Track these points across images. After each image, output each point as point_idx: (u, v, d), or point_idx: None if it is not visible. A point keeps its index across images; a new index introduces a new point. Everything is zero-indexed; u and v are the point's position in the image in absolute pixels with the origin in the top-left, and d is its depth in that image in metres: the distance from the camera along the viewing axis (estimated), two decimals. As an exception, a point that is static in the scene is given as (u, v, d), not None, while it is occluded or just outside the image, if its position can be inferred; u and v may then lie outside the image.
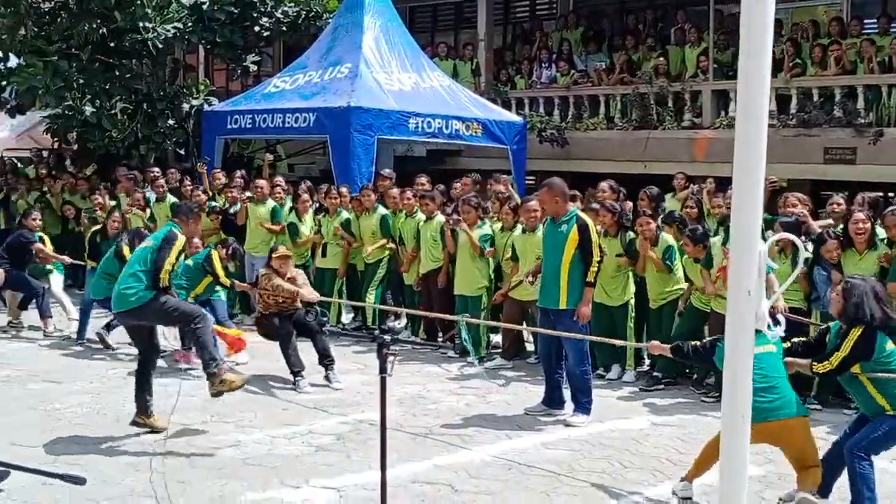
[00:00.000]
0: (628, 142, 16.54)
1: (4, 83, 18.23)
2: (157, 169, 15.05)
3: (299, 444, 7.69)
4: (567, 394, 8.55)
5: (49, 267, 12.48)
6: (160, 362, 8.75)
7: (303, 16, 18.16)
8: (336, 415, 8.53)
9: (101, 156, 18.06)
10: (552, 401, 8.59)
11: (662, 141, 16.15)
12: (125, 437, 7.75)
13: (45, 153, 20.84)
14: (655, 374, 9.68)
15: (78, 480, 3.71)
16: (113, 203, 14.16)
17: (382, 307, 11.70)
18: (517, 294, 10.32)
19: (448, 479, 6.84)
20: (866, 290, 5.99)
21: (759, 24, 3.39)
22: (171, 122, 17.38)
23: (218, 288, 10.71)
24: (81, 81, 16.72)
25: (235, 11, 17.54)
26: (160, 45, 16.80)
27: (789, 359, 6.23)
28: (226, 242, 11.07)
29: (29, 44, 16.88)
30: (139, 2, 16.38)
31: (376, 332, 6.11)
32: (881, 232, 9.01)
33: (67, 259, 12.58)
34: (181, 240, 7.80)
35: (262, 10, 18.01)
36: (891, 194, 14.52)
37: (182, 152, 18.18)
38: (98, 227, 12.67)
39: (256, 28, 18.16)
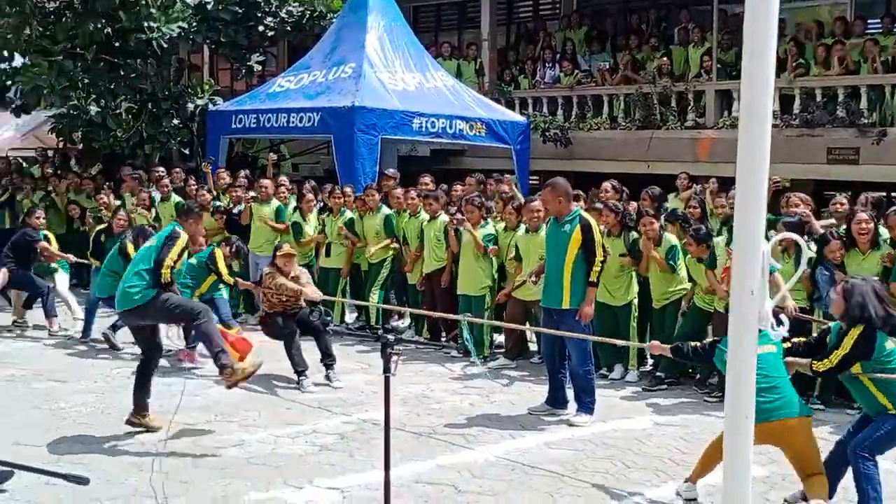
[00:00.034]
0: (632, 142, 16.54)
1: (9, 83, 18.24)
2: (161, 168, 15.06)
3: (303, 443, 7.70)
4: (570, 394, 8.55)
5: (54, 265, 12.51)
6: (163, 362, 8.77)
7: (307, 15, 18.18)
8: (339, 414, 8.54)
9: (105, 155, 18.09)
10: (555, 400, 8.60)
11: (666, 141, 16.15)
12: (129, 436, 7.77)
13: (50, 153, 20.86)
14: (658, 374, 9.68)
15: (81, 480, 3.72)
16: (118, 203, 14.18)
17: (385, 306, 11.72)
18: (520, 294, 10.33)
19: (451, 479, 6.85)
20: (867, 289, 6.01)
21: (762, 24, 3.40)
22: (175, 121, 17.39)
23: (221, 286, 10.73)
24: (86, 81, 16.76)
25: (240, 11, 17.56)
26: (165, 45, 16.82)
27: (790, 359, 6.24)
28: (229, 240, 11.09)
29: (34, 43, 16.91)
30: (144, 2, 16.39)
31: (380, 331, 6.12)
32: (884, 232, 9.01)
33: (72, 257, 12.60)
34: (183, 238, 7.83)
35: (267, 9, 18.04)
36: (894, 194, 14.52)
37: (187, 152, 18.21)
38: (103, 226, 12.69)
39: (261, 28, 18.19)
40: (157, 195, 14.01)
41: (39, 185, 17.02)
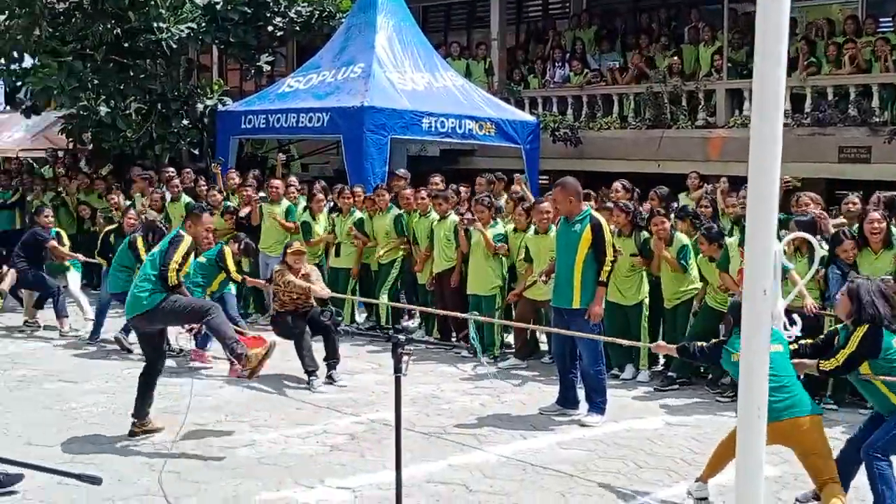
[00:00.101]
0: (642, 141, 16.52)
1: (20, 84, 18.35)
2: (171, 169, 15.10)
3: (314, 443, 7.70)
4: (581, 394, 8.54)
5: (66, 263, 12.53)
6: (171, 363, 8.78)
7: (316, 16, 18.20)
8: (350, 414, 8.55)
9: (116, 156, 18.15)
10: (566, 401, 8.58)
11: (676, 140, 16.13)
12: (140, 436, 7.77)
13: (60, 153, 20.93)
14: (670, 373, 9.67)
15: (94, 480, 3.72)
16: (128, 203, 14.21)
17: (395, 304, 11.72)
18: (531, 293, 10.32)
19: (463, 479, 6.85)
20: (872, 289, 6.01)
21: (774, 25, 3.38)
22: (185, 122, 17.44)
23: (230, 283, 10.74)
24: (96, 82, 16.82)
25: (249, 11, 17.59)
26: (174, 46, 16.86)
27: (797, 360, 6.22)
28: (237, 237, 11.10)
29: (44, 44, 16.96)
30: (153, 2, 16.45)
31: (390, 331, 6.11)
32: (897, 231, 8.97)
33: (82, 256, 12.63)
34: (187, 240, 7.87)
35: (276, 9, 18.06)
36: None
37: (196, 152, 18.25)
38: (114, 226, 12.71)
39: (270, 28, 18.21)
40: (167, 196, 14.05)
41: (50, 186, 17.09)
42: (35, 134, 23.37)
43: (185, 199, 13.70)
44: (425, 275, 11.71)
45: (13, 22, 16.86)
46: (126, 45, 17.10)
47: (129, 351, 10.75)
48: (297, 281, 9.68)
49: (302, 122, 15.00)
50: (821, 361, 6.11)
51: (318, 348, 9.70)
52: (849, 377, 6.28)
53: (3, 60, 17.82)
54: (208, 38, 17.70)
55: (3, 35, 16.98)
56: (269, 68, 19.51)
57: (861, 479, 6.05)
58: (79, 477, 3.63)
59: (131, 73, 17.39)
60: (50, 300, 12.19)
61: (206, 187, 14.02)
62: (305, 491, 6.61)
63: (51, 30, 17.05)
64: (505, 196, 12.46)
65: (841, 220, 9.86)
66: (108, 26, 16.65)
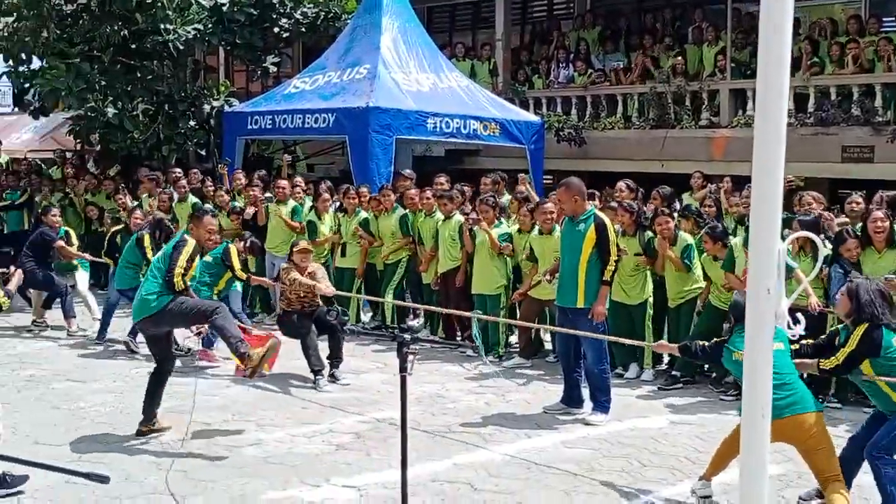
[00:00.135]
0: (646, 141, 16.53)
1: (28, 85, 18.39)
2: (178, 170, 15.16)
3: (319, 442, 7.75)
4: (586, 392, 8.57)
5: (74, 263, 12.57)
6: (176, 362, 8.80)
7: (321, 17, 18.23)
8: (355, 413, 8.59)
9: (123, 157, 18.22)
10: (571, 399, 8.62)
11: (680, 140, 16.14)
12: (148, 436, 7.83)
13: (68, 155, 21.01)
14: (674, 372, 9.70)
15: (102, 479, 3.74)
16: (135, 203, 14.26)
17: (400, 303, 11.76)
18: (535, 293, 10.35)
19: (468, 478, 6.88)
20: (871, 288, 6.04)
21: (777, 25, 3.41)
22: (192, 123, 17.51)
23: (236, 281, 10.78)
24: (103, 83, 16.88)
25: (255, 13, 17.63)
26: (181, 47, 16.92)
27: (798, 360, 6.24)
28: (243, 236, 11.15)
29: (51, 46, 17.04)
30: (160, 4, 16.51)
31: (396, 331, 6.14)
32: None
33: (89, 256, 12.69)
34: (191, 243, 7.92)
35: (282, 11, 18.10)
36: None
37: (203, 153, 18.31)
38: (121, 226, 12.77)
39: (276, 29, 18.25)
40: (174, 196, 14.09)
41: (58, 187, 17.14)
42: (43, 135, 23.49)
43: (193, 199, 13.74)
44: (430, 274, 11.75)
45: (21, 24, 16.95)
46: (133, 46, 17.17)
47: (135, 352, 10.79)
48: (301, 278, 9.73)
49: (308, 123, 15.05)
50: (821, 360, 6.14)
51: (323, 348, 9.75)
52: (851, 377, 6.31)
53: (11, 62, 17.88)
54: (215, 40, 17.75)
55: (12, 37, 17.08)
56: (275, 69, 19.54)
57: (864, 477, 6.07)
58: (87, 476, 3.65)
59: (138, 75, 17.46)
60: (58, 300, 12.24)
61: (212, 188, 14.08)
62: (311, 490, 6.65)
63: (58, 32, 17.12)
64: (507, 196, 12.49)
65: (844, 219, 9.87)
66: (116, 28, 16.72)
